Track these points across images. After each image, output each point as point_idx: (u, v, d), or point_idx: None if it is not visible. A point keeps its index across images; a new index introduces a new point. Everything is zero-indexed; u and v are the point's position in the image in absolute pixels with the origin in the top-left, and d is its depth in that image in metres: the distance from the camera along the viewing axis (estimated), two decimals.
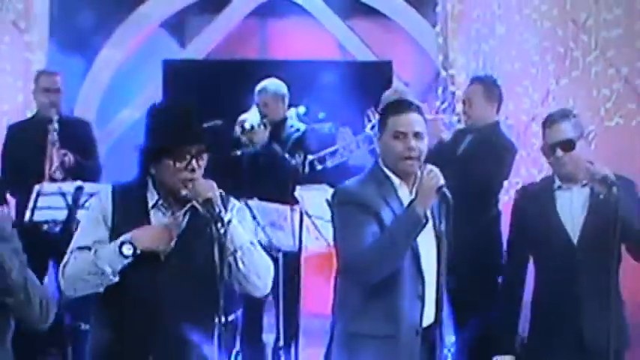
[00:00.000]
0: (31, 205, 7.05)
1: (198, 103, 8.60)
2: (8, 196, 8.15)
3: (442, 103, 9.03)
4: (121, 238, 4.56)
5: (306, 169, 7.93)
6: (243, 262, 4.74)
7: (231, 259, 4.71)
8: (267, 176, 7.58)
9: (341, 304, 5.31)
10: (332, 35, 10.77)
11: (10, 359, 4.67)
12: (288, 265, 7.08)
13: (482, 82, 7.49)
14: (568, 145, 5.35)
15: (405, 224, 4.93)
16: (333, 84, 9.57)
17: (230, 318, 6.81)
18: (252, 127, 8.10)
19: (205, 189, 4.62)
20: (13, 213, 7.69)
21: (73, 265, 4.67)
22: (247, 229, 4.93)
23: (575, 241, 5.37)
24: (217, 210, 4.60)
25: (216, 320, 6.04)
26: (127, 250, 4.44)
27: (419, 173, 5.01)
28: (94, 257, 4.60)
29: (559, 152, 5.36)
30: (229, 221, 4.65)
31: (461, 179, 6.76)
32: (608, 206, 5.11)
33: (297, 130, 8.28)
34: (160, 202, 4.79)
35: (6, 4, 9.44)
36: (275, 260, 6.91)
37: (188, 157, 4.62)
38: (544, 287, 5.53)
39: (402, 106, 5.26)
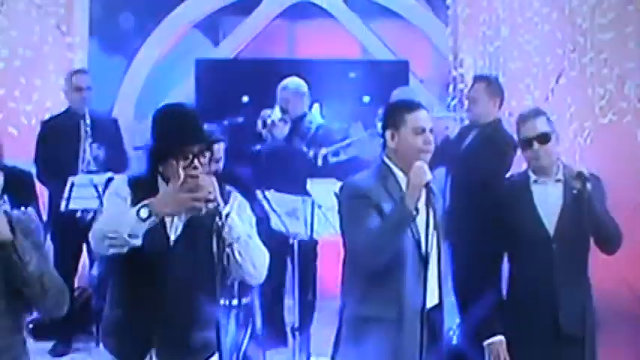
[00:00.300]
0: (66, 195, 7.32)
1: (227, 99, 8.95)
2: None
3: (452, 99, 9.10)
4: (140, 204, 4.65)
5: (320, 162, 7.96)
6: (240, 253, 4.81)
7: (229, 249, 4.80)
8: (284, 169, 7.68)
9: (348, 289, 5.42)
10: (354, 36, 10.85)
11: (23, 342, 4.79)
12: (303, 251, 7.22)
13: (485, 81, 7.61)
14: (544, 138, 5.45)
15: (397, 216, 5.06)
16: (353, 82, 9.66)
17: (244, 301, 6.92)
18: (273, 122, 8.25)
19: (207, 182, 4.75)
20: (45, 203, 7.84)
21: (99, 228, 4.73)
22: (246, 222, 4.98)
23: (551, 232, 5.46)
24: (216, 204, 4.71)
25: (229, 302, 6.52)
26: (144, 213, 4.52)
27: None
28: (117, 221, 4.71)
29: (536, 145, 5.45)
30: (227, 215, 4.75)
31: (465, 172, 7.20)
32: (581, 200, 5.27)
33: (316, 125, 8.33)
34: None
35: (48, 10, 9.60)
36: (291, 246, 7.28)
37: (190, 156, 4.72)
38: (520, 276, 5.59)
39: (415, 104, 5.41)
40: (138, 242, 4.60)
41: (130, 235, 4.55)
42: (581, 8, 7.94)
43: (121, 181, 4.98)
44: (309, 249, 7.57)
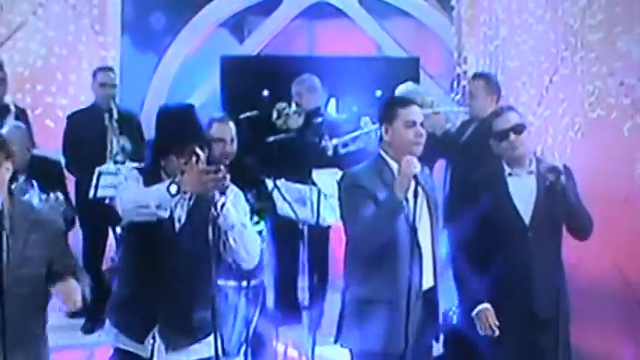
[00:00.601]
0: (93, 183, 7.36)
1: (250, 94, 9.07)
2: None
3: (456, 95, 9.19)
4: (169, 181, 4.76)
5: (331, 153, 8.03)
6: (234, 240, 5.00)
7: (224, 237, 4.97)
8: (297, 159, 7.75)
9: (349, 273, 5.53)
10: (368, 35, 10.91)
11: (45, 323, 4.93)
12: (313, 236, 7.37)
13: (484, 78, 7.71)
14: (519, 129, 5.57)
15: (389, 205, 5.16)
16: (366, 78, 9.68)
17: (253, 282, 6.89)
18: (288, 114, 8.44)
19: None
20: (72, 191, 7.96)
21: (131, 199, 4.89)
22: (241, 211, 5.14)
23: (527, 222, 5.58)
24: (212, 195, 4.84)
25: (239, 284, 6.64)
26: (173, 189, 4.61)
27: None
28: (144, 192, 4.86)
29: (512, 136, 5.55)
30: (223, 205, 4.88)
31: (464, 164, 7.22)
32: (554, 191, 5.39)
33: (329, 118, 8.52)
34: (173, 186, 4.95)
35: (83, 11, 9.70)
36: (301, 231, 7.45)
37: (190, 154, 4.83)
38: (498, 262, 5.62)
39: (408, 99, 5.61)
40: (165, 214, 4.73)
41: (158, 207, 4.68)
42: (572, 10, 7.96)
43: (126, 175, 5.11)
44: (320, 234, 7.70)
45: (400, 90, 8.23)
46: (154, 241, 4.94)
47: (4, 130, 6.98)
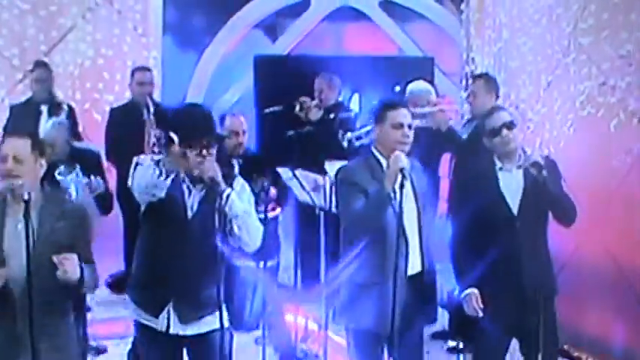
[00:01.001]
0: (131, 172, 7.49)
1: (280, 90, 9.30)
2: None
3: (465, 91, 9.02)
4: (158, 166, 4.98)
5: (346, 145, 7.97)
6: (238, 227, 5.13)
7: (230, 223, 5.11)
8: (315, 150, 7.75)
9: (343, 258, 5.56)
10: (389, 36, 11.07)
11: (68, 320, 5.00)
12: (328, 220, 7.45)
13: (483, 79, 7.82)
14: (511, 125, 5.62)
15: (378, 197, 5.28)
16: (387, 75, 9.78)
17: (270, 263, 7.07)
18: (309, 107, 8.65)
19: (210, 170, 5.05)
20: (114, 180, 8.03)
21: (135, 185, 5.11)
22: (245, 201, 5.25)
23: (515, 212, 5.61)
24: (221, 187, 5.03)
25: (257, 265, 6.79)
26: (156, 172, 4.94)
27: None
28: (145, 178, 5.06)
29: (504, 131, 5.59)
30: (228, 195, 5.06)
31: (467, 158, 7.24)
32: (538, 184, 5.47)
33: (347, 113, 8.60)
34: (185, 178, 5.16)
35: (127, 15, 9.94)
36: (318, 216, 7.55)
37: (199, 146, 5.02)
38: (490, 249, 5.59)
39: (396, 102, 5.65)
40: (161, 194, 4.95)
41: (153, 188, 4.94)
42: (566, 15, 7.92)
43: (146, 166, 5.19)
44: (333, 219, 7.37)
45: (411, 87, 8.36)
46: (169, 227, 5.09)
47: (48, 125, 7.21)
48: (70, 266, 4.62)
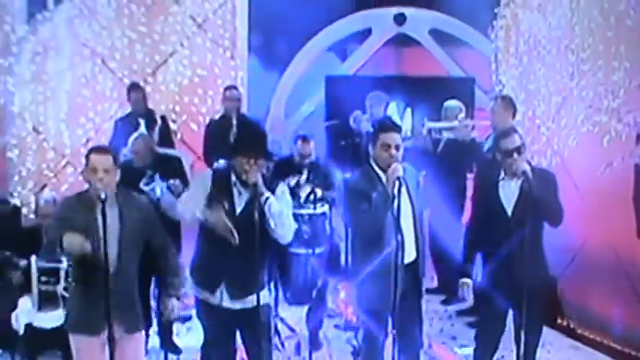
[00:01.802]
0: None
1: (346, 105, 9.64)
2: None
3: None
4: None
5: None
6: (275, 223, 5.44)
7: (268, 220, 5.41)
8: (360, 158, 7.76)
9: (352, 253, 5.97)
10: (438, 59, 11.27)
11: (139, 288, 5.36)
12: None
13: (502, 99, 7.99)
14: (520, 150, 5.80)
15: (381, 200, 5.52)
16: (435, 93, 9.91)
17: (318, 250, 7.41)
18: (361, 120, 8.96)
19: (254, 177, 5.37)
20: None
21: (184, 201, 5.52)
22: (282, 203, 5.54)
23: (510, 214, 5.84)
24: (260, 190, 5.37)
25: (307, 252, 7.24)
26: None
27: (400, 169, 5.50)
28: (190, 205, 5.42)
29: (515, 155, 5.76)
30: (267, 198, 5.41)
31: (482, 166, 7.45)
32: (528, 191, 5.65)
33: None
34: (237, 182, 5.52)
35: (218, 42, 10.10)
36: None
37: (249, 158, 5.38)
38: (489, 245, 5.87)
39: (387, 126, 5.78)
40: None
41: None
42: (570, 46, 8.09)
43: (207, 174, 5.62)
44: None
45: (445, 104, 8.86)
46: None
47: (132, 138, 7.50)
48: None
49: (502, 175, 5.89)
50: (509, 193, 5.88)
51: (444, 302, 9.04)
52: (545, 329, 6.30)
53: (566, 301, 8.29)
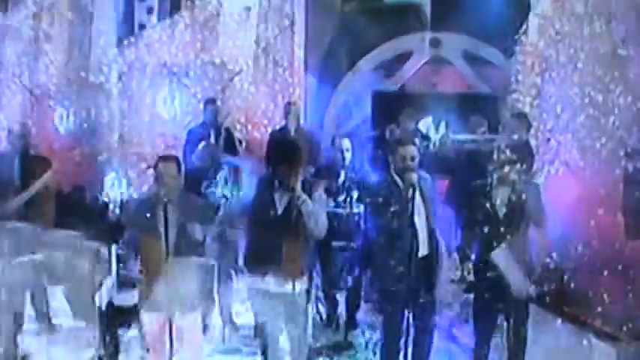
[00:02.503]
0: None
1: (390, 117, 10.02)
2: None
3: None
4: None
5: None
6: (310, 220, 5.68)
7: (305, 218, 5.67)
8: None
9: (371, 249, 6.27)
10: (467, 78, 11.67)
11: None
12: None
13: (517, 115, 8.42)
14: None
15: (400, 203, 5.86)
16: (464, 107, 10.30)
17: (352, 244, 7.55)
18: (394, 132, 9.30)
19: (294, 182, 5.63)
20: None
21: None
22: (318, 203, 5.76)
23: (500, 217, 6.05)
24: (297, 193, 5.63)
25: (340, 246, 7.51)
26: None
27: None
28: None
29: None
30: (304, 200, 5.64)
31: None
32: (517, 198, 5.98)
33: (420, 137, 9.14)
34: (279, 186, 5.78)
35: (278, 62, 10.73)
36: None
37: (285, 166, 5.68)
38: (479, 246, 6.05)
39: (404, 141, 6.21)
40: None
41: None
42: (574, 70, 8.19)
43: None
44: None
45: (471, 118, 9.38)
46: (264, 219, 5.74)
47: (199, 147, 8.14)
48: None
49: (496, 184, 6.14)
50: (501, 198, 6.10)
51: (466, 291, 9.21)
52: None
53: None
